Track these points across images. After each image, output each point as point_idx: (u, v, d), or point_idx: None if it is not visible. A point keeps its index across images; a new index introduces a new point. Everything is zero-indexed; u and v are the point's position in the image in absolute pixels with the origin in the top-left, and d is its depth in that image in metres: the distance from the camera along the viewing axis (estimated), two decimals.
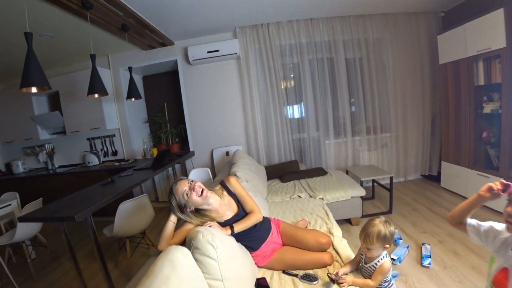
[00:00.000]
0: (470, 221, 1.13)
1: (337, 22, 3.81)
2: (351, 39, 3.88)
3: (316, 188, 2.96)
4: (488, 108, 3.04)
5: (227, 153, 4.11)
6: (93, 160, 4.33)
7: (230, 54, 3.79)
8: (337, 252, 1.70)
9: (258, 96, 4.01)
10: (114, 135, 4.38)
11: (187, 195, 1.47)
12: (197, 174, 3.36)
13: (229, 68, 4.02)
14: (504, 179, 1.00)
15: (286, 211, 2.45)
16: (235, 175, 2.50)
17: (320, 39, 3.86)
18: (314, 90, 3.99)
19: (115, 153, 4.45)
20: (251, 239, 1.64)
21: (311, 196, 2.81)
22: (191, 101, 4.17)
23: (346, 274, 1.43)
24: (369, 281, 1.37)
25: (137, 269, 2.59)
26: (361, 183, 3.15)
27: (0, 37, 2.87)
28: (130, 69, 3.35)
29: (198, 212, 1.54)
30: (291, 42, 3.87)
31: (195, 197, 1.47)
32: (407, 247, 2.40)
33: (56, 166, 4.58)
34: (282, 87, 3.99)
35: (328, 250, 1.70)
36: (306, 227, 2.13)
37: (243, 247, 1.58)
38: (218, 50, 3.74)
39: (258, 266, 1.64)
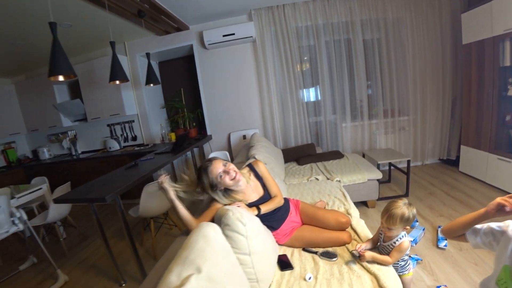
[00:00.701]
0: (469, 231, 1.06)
1: (355, 2, 3.70)
2: (369, 19, 3.77)
3: (333, 171, 3.00)
4: None
5: (244, 137, 4.17)
6: (114, 146, 4.49)
7: (246, 38, 3.77)
8: (355, 232, 1.76)
9: (274, 79, 4.00)
10: (133, 121, 4.51)
11: (220, 177, 1.53)
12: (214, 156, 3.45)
13: (245, 51, 4.01)
14: None
15: (304, 192, 2.51)
16: (254, 157, 2.55)
17: (337, 20, 3.77)
18: (330, 73, 3.95)
19: (134, 138, 4.59)
20: (272, 219, 1.71)
21: (328, 179, 2.86)
22: (207, 85, 4.21)
23: (366, 250, 1.48)
24: (387, 258, 1.42)
25: (161, 247, 2.78)
26: (378, 166, 3.15)
27: (21, 29, 2.97)
28: (148, 55, 3.41)
29: (227, 192, 1.61)
30: (307, 24, 3.80)
31: (228, 180, 1.53)
32: (423, 229, 2.43)
33: (79, 152, 4.78)
34: (298, 69, 3.96)
35: (346, 229, 1.75)
36: (324, 207, 2.18)
37: (265, 227, 1.65)
38: (233, 34, 3.73)
39: (279, 244, 1.72)
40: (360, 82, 3.94)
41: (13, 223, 2.46)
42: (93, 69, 4.08)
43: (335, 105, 4.03)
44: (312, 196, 2.41)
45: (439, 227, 2.43)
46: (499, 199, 0.91)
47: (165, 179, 1.54)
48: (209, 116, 4.34)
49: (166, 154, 3.23)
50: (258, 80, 4.06)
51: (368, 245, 1.53)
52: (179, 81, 4.66)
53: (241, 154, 3.53)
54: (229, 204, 1.51)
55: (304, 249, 1.67)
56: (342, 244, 1.65)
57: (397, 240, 1.43)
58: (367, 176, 2.83)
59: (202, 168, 1.58)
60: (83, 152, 4.82)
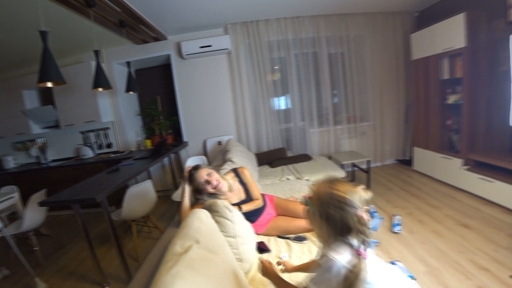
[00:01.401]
0: None
1: (321, 20, 4.12)
2: (333, 35, 4.22)
3: (302, 171, 3.31)
4: (451, 99, 3.46)
5: (219, 143, 4.38)
6: (88, 153, 4.46)
7: (222, 49, 4.03)
8: None
9: (248, 89, 4.28)
10: (109, 128, 4.52)
11: (203, 185, 1.74)
12: (194, 162, 3.61)
13: (220, 62, 4.26)
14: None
15: (277, 191, 2.76)
16: (231, 160, 2.78)
17: (305, 35, 4.16)
18: (299, 83, 4.32)
19: (109, 145, 4.59)
20: (251, 215, 1.95)
21: (298, 178, 3.16)
22: (184, 94, 4.38)
23: None
24: None
25: (142, 250, 2.86)
26: (342, 167, 3.52)
27: None
28: (128, 64, 3.52)
29: (211, 196, 1.81)
30: (278, 38, 4.15)
31: (210, 188, 1.75)
32: (381, 218, 2.81)
33: (49, 160, 4.66)
34: (270, 80, 4.28)
35: None
36: None
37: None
38: (210, 45, 3.96)
39: (257, 234, 1.95)
40: (326, 91, 4.35)
41: None
42: (68, 75, 4.00)
43: (304, 112, 4.40)
44: (284, 194, 2.67)
45: (394, 215, 2.81)
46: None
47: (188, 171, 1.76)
48: (185, 123, 4.49)
49: (145, 160, 3.33)
50: (232, 89, 4.31)
51: None
52: (155, 89, 4.77)
53: (218, 159, 3.74)
54: None
55: (279, 237, 1.92)
56: (311, 230, 1.91)
57: None
58: (332, 175, 3.15)
59: (190, 174, 1.78)
60: (53, 160, 4.69)
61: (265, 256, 1.68)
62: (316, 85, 4.37)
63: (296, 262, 1.57)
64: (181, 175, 4.26)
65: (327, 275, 0.82)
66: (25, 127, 4.40)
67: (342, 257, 0.82)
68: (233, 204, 1.84)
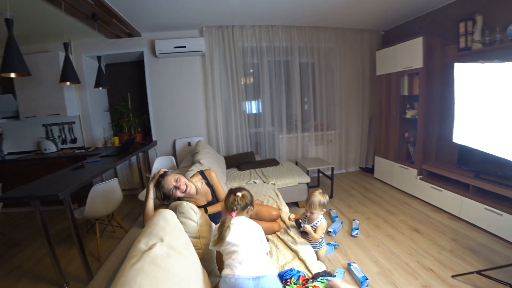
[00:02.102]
0: None
1: (294, 31, 4.30)
2: (305, 46, 4.41)
3: (269, 176, 3.42)
4: (409, 114, 3.77)
5: (189, 144, 4.38)
6: (50, 147, 4.23)
7: (196, 51, 4.05)
8: (284, 222, 2.15)
9: (220, 92, 4.33)
10: (74, 122, 4.33)
11: (172, 191, 1.74)
12: (162, 161, 3.59)
13: (194, 63, 4.27)
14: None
15: None
16: (200, 162, 2.81)
17: (278, 44, 4.32)
18: (270, 89, 4.46)
19: (74, 140, 4.39)
20: (216, 216, 1.99)
21: (264, 182, 3.26)
22: (155, 92, 4.33)
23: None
24: (315, 234, 1.84)
25: (105, 249, 2.80)
26: (307, 172, 3.68)
27: None
28: (99, 58, 3.43)
29: (180, 199, 1.83)
30: (252, 45, 4.26)
31: (179, 193, 1.76)
32: (341, 222, 2.98)
33: (5, 152, 4.36)
34: (242, 84, 4.37)
35: (277, 221, 2.14)
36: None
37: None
38: (184, 46, 3.97)
39: None
40: (295, 98, 4.54)
41: None
42: (33, 64, 3.75)
43: (274, 118, 4.55)
44: None
45: (354, 220, 3.01)
46: None
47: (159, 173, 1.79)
48: (155, 122, 4.43)
49: (112, 157, 3.26)
50: (204, 91, 4.34)
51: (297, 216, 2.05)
52: (126, 85, 4.66)
53: (186, 160, 3.74)
54: None
55: None
56: (273, 232, 2.02)
57: (317, 221, 1.89)
58: (298, 180, 3.32)
59: (156, 183, 1.78)
60: (10, 153, 4.40)
61: None
62: (286, 92, 4.54)
63: None
64: (148, 174, 4.20)
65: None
66: None
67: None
68: (200, 206, 1.89)
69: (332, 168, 3.71)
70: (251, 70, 4.49)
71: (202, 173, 2.12)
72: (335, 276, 1.53)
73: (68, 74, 2.62)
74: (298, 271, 1.50)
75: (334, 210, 3.31)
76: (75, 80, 2.67)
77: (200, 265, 1.26)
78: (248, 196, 1.52)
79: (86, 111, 4.28)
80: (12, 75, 1.98)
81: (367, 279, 2.03)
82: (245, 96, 4.45)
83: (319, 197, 1.87)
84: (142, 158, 4.50)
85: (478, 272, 1.97)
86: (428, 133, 3.59)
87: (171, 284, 0.97)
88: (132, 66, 4.61)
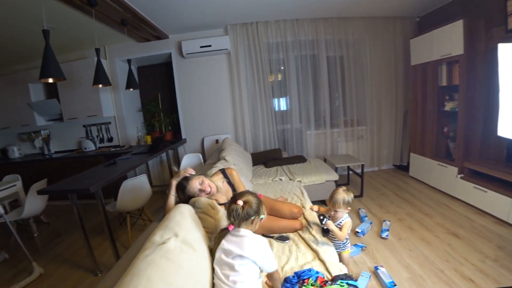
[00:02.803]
0: None
1: (320, 23, 4.15)
2: (332, 39, 4.24)
3: (296, 173, 3.34)
4: (448, 106, 3.46)
5: (217, 141, 4.44)
6: (90, 146, 4.57)
7: (221, 50, 4.09)
8: (307, 221, 2.08)
9: (246, 89, 4.33)
10: (110, 123, 4.62)
11: (197, 195, 1.75)
12: (190, 158, 3.69)
13: (220, 62, 4.32)
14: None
15: (268, 191, 2.81)
16: (225, 159, 2.83)
17: (304, 38, 4.19)
18: (298, 85, 4.36)
19: (110, 139, 4.69)
20: None
21: (290, 179, 3.19)
22: (184, 91, 4.45)
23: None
24: (340, 232, 1.73)
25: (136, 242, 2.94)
26: (336, 170, 3.54)
27: (6, 27, 3.06)
28: (129, 61, 3.60)
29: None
30: (277, 40, 4.19)
31: (204, 195, 1.76)
32: (371, 223, 2.82)
33: (52, 151, 4.78)
34: (268, 81, 4.32)
35: (299, 218, 2.08)
36: None
37: None
38: (210, 45, 4.03)
39: None
40: (323, 94, 4.38)
41: None
42: (72, 71, 4.16)
43: (301, 114, 4.44)
44: (275, 194, 2.72)
45: (384, 221, 2.83)
46: None
47: (185, 172, 1.83)
48: (184, 121, 4.57)
49: (143, 155, 3.42)
50: (231, 89, 4.38)
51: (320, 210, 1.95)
52: (156, 86, 4.86)
53: (213, 157, 3.79)
54: None
55: (263, 235, 1.96)
56: (294, 230, 1.96)
57: (342, 220, 1.80)
58: (325, 177, 3.20)
59: (180, 186, 1.78)
60: (56, 152, 4.82)
61: None
62: (314, 87, 4.40)
63: (277, 260, 1.61)
64: (175, 167, 4.33)
65: None
66: (30, 119, 4.55)
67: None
68: (221, 204, 1.89)
69: (362, 165, 3.53)
70: (278, 67, 4.43)
71: (223, 171, 2.13)
72: (356, 280, 1.43)
73: (100, 77, 2.79)
74: (317, 272, 1.44)
75: (363, 210, 3.15)
76: (106, 82, 2.84)
77: (210, 262, 1.25)
78: (254, 204, 1.26)
79: (120, 112, 4.54)
80: (50, 80, 2.16)
81: (395, 285, 1.89)
82: (272, 92, 4.41)
83: (343, 194, 1.76)
84: (172, 155, 4.67)
85: None
86: (470, 127, 3.25)
87: (180, 279, 0.98)
88: (162, 67, 4.79)
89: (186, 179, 1.79)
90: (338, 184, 3.33)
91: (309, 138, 4.51)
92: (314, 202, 2.64)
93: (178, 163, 4.55)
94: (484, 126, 3.27)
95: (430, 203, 3.30)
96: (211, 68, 4.34)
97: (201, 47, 4.04)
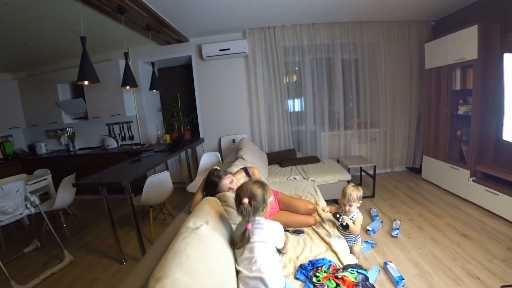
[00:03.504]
0: None
1: (336, 27, 4.26)
2: (348, 42, 4.33)
3: (310, 172, 3.47)
4: (461, 110, 3.51)
5: (234, 141, 4.61)
6: (112, 144, 4.82)
7: (239, 53, 4.26)
8: (320, 217, 2.21)
9: (263, 91, 4.48)
10: (132, 122, 4.87)
11: (227, 191, 1.89)
12: (209, 157, 3.87)
13: (237, 64, 4.50)
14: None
15: (283, 189, 2.94)
16: (242, 157, 2.99)
17: (320, 41, 4.31)
18: (313, 87, 4.48)
19: (132, 137, 4.93)
20: None
21: (304, 178, 3.32)
22: (202, 93, 4.65)
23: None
24: (354, 226, 1.89)
25: (157, 234, 3.14)
26: (349, 170, 3.64)
27: (35, 33, 3.33)
28: (153, 64, 3.80)
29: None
30: (294, 44, 4.33)
31: (232, 192, 1.88)
32: (381, 222, 2.92)
33: (77, 148, 5.07)
34: (284, 83, 4.46)
35: (313, 215, 2.21)
36: None
37: None
38: (229, 49, 4.20)
39: None
40: (338, 96, 4.48)
41: (26, 206, 2.76)
42: (98, 72, 4.33)
43: (316, 116, 4.56)
44: (290, 192, 2.85)
45: (395, 220, 2.92)
46: None
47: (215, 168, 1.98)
48: (202, 121, 4.76)
49: (164, 152, 3.62)
50: (248, 91, 4.54)
51: (334, 209, 2.09)
52: (176, 87, 5.07)
53: (231, 156, 3.97)
54: None
55: None
56: (309, 225, 2.10)
57: (353, 215, 1.94)
58: (338, 177, 3.31)
59: (211, 182, 1.92)
60: (80, 149, 5.10)
61: None
62: (329, 89, 4.51)
63: (291, 251, 1.76)
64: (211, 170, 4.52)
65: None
66: (58, 117, 4.85)
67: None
68: None
69: (375, 167, 3.62)
70: (295, 68, 4.57)
71: (245, 170, 2.29)
72: (366, 269, 1.55)
73: (128, 79, 3.00)
74: (330, 261, 1.57)
75: (374, 209, 3.25)
76: (133, 84, 3.04)
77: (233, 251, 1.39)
78: (259, 196, 1.32)
79: (142, 111, 4.78)
80: (86, 82, 2.37)
81: (403, 279, 1.99)
82: (288, 94, 4.54)
83: (353, 189, 1.91)
84: (191, 154, 4.88)
85: None
86: (483, 131, 3.29)
87: (212, 259, 1.14)
88: (181, 69, 5.00)
89: (219, 177, 1.93)
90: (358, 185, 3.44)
91: (323, 139, 4.62)
92: (327, 201, 2.77)
93: (196, 162, 4.74)
94: (496, 130, 3.30)
95: (441, 204, 3.36)
96: (229, 70, 4.52)
97: (220, 50, 4.22)
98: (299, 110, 4.70)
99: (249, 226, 1.28)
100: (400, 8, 3.84)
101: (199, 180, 3.46)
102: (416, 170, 4.65)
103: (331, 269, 1.49)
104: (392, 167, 4.80)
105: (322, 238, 1.89)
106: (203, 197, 1.94)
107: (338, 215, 1.96)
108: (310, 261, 1.57)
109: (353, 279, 1.42)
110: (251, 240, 1.28)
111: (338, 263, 1.60)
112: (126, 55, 2.98)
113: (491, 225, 2.78)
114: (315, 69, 4.44)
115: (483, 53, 3.11)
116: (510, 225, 2.74)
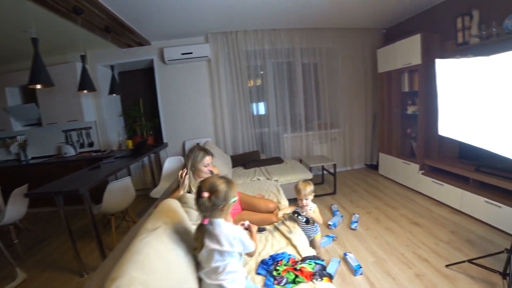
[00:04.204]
0: None
1: (296, 33, 4.44)
2: (307, 47, 4.55)
3: (273, 173, 3.58)
4: (410, 110, 3.83)
5: (198, 145, 4.57)
6: (70, 151, 4.55)
7: (202, 57, 4.28)
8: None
9: (226, 94, 4.53)
10: (91, 127, 4.63)
11: (205, 166, 1.99)
12: (173, 161, 3.81)
13: (200, 68, 4.50)
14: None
15: (247, 189, 2.98)
16: None
17: (281, 46, 4.47)
18: (275, 90, 4.62)
19: (91, 144, 4.69)
20: None
21: (268, 179, 3.42)
22: (165, 97, 4.58)
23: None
24: (319, 216, 2.05)
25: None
26: (310, 170, 3.80)
27: None
28: (112, 67, 3.69)
29: (194, 177, 2.02)
30: (255, 48, 4.44)
31: (207, 170, 2.01)
32: (342, 216, 3.10)
33: (29, 157, 4.70)
34: (247, 86, 4.55)
35: (274, 212, 2.29)
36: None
37: None
38: (191, 53, 4.20)
39: None
40: (299, 99, 4.68)
41: None
42: (53, 75, 3.97)
43: (278, 118, 4.71)
44: (253, 192, 2.90)
45: (354, 214, 3.12)
46: None
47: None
48: (165, 125, 4.68)
49: (126, 158, 3.51)
50: (211, 94, 4.56)
51: (289, 210, 2.19)
52: (138, 91, 4.93)
53: None
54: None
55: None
56: (271, 223, 2.18)
57: (311, 208, 2.09)
58: (300, 176, 3.44)
59: (199, 149, 2.03)
60: (33, 158, 4.73)
61: None
62: (290, 93, 4.69)
63: None
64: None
65: None
66: (6, 124, 4.44)
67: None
68: None
69: (335, 165, 3.82)
70: (257, 72, 4.67)
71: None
72: (323, 260, 1.66)
73: (86, 83, 2.89)
74: (289, 255, 1.66)
75: (335, 205, 3.42)
76: (91, 88, 2.94)
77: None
78: (221, 192, 1.21)
79: (101, 117, 4.57)
80: (38, 86, 2.24)
81: (361, 267, 2.14)
82: (250, 98, 4.63)
83: (305, 184, 2.07)
84: (154, 159, 4.76)
85: (470, 261, 2.03)
86: (429, 128, 3.62)
87: (170, 256, 1.17)
88: (143, 73, 4.88)
89: (206, 151, 2.05)
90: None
91: (286, 141, 4.78)
92: (289, 200, 2.86)
93: (160, 167, 4.64)
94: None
95: (396, 197, 3.63)
96: (192, 74, 4.50)
97: (182, 54, 4.20)
98: (262, 113, 4.81)
99: (206, 221, 1.19)
100: (355, 17, 4.12)
101: (163, 185, 3.41)
102: (373, 167, 4.98)
103: (290, 262, 1.57)
104: (351, 165, 5.09)
105: (282, 234, 1.98)
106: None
107: (296, 215, 2.08)
108: (271, 256, 1.64)
109: (310, 270, 1.51)
110: (211, 247, 1.20)
111: (297, 256, 1.69)
112: (83, 58, 2.87)
113: (438, 213, 3.09)
114: (276, 73, 4.59)
115: (425, 59, 3.45)
116: (454, 212, 3.07)
